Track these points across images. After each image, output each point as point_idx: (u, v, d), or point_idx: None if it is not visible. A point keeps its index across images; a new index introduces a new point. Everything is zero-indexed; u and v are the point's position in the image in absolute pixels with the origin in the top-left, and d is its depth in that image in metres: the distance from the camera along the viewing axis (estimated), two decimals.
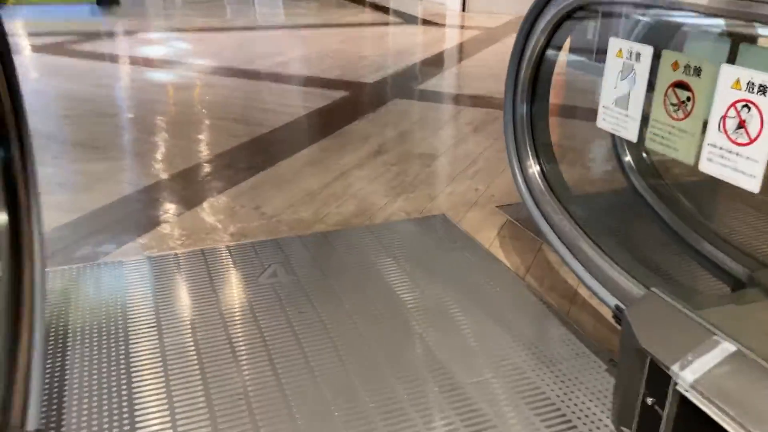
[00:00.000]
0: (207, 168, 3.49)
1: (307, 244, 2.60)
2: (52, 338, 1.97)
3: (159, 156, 3.68)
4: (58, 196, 3.09)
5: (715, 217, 2.36)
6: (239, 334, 2.00)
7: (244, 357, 1.89)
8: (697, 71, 1.41)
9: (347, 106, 4.89)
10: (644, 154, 2.11)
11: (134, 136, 4.06)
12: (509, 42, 7.74)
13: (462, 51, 7.23)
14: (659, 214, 2.01)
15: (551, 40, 1.86)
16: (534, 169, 1.95)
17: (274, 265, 2.42)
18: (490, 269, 2.41)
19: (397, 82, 5.66)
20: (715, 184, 1.49)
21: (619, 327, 1.66)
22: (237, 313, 2.11)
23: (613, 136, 2.23)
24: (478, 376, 1.82)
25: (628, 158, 2.12)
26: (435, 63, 6.52)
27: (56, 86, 5.35)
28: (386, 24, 9.50)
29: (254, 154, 3.72)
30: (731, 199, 2.60)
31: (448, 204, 3.01)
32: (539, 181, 1.92)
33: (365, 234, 2.69)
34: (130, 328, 2.03)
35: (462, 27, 8.80)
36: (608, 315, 2.08)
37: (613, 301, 1.70)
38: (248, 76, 5.80)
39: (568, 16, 1.79)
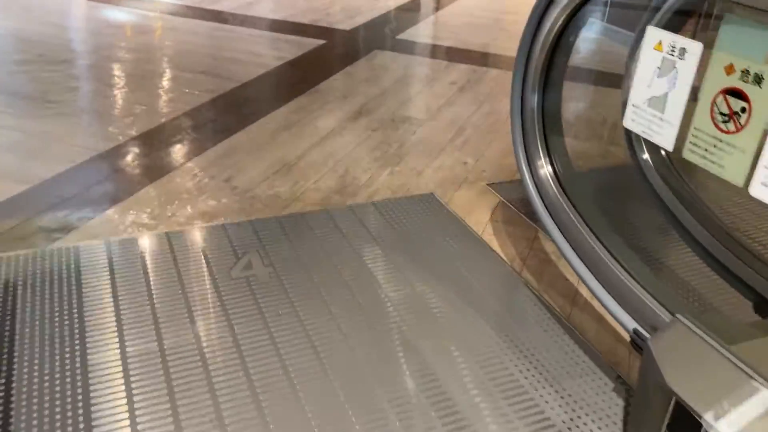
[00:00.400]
0: (171, 130, 3.18)
1: (284, 226, 2.37)
2: None
3: (118, 113, 3.34)
4: (5, 161, 2.78)
5: (747, 231, 2.14)
6: (211, 340, 1.79)
7: (219, 367, 1.69)
8: (758, 79, 1.20)
9: (323, 57, 4.55)
10: (663, 152, 1.90)
11: (91, 88, 3.70)
12: None
13: None
14: (679, 220, 1.82)
15: (578, 13, 1.59)
16: (546, 169, 1.72)
17: (249, 253, 2.20)
18: (484, 263, 2.22)
19: (375, 30, 5.31)
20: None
21: (638, 354, 1.51)
22: (210, 315, 1.89)
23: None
24: (472, 392, 1.66)
25: (645, 156, 1.91)
26: (414, 8, 6.14)
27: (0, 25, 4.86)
28: None
29: (224, 114, 3.42)
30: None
31: (436, 180, 2.80)
32: (552, 184, 1.69)
33: (348, 215, 2.47)
34: (86, 330, 1.81)
35: None
36: (611, 320, 1.92)
37: (631, 324, 1.54)
38: (215, 17, 5.37)
39: None
